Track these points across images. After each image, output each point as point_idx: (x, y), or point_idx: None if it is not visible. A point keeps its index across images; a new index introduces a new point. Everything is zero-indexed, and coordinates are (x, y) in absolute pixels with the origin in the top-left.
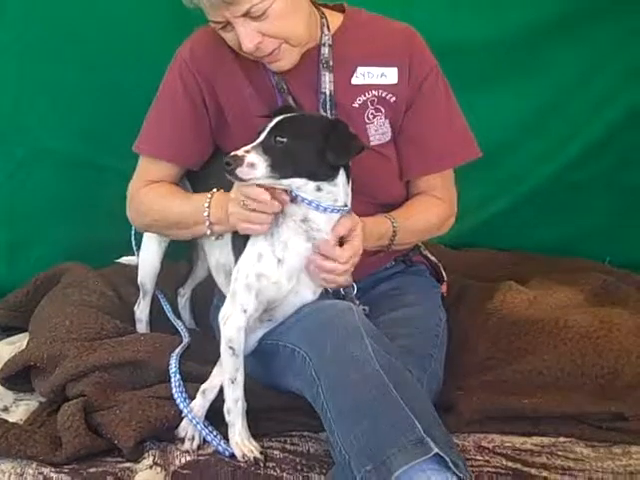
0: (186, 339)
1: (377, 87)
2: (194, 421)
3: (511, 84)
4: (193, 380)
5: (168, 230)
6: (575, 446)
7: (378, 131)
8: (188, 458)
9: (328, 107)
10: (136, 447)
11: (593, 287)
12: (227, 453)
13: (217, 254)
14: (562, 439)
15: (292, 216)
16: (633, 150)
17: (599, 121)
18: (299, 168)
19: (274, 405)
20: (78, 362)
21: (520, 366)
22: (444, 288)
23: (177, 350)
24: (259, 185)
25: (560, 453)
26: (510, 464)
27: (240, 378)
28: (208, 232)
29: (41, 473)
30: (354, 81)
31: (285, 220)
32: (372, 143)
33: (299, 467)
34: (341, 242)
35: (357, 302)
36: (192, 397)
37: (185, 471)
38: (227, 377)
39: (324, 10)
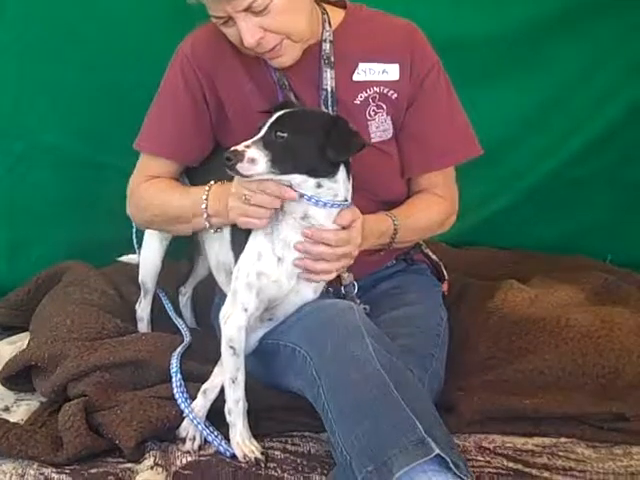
0: (187, 338)
1: (378, 84)
2: (195, 421)
3: (513, 80)
4: (194, 380)
5: (168, 225)
6: (576, 447)
7: (379, 128)
8: (189, 458)
9: (329, 103)
10: (137, 447)
11: (594, 286)
12: (228, 453)
13: (217, 253)
14: (563, 439)
15: (292, 213)
16: (635, 146)
17: (601, 117)
18: (299, 164)
19: (275, 405)
20: (79, 362)
21: (521, 365)
22: (445, 287)
23: (178, 350)
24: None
25: (561, 454)
26: (511, 465)
27: (241, 378)
28: (207, 225)
29: (42, 474)
30: (355, 77)
31: (285, 217)
32: (373, 140)
33: (300, 468)
34: None
35: (358, 301)
36: (193, 397)
37: (186, 471)
38: (228, 377)
39: (325, 6)
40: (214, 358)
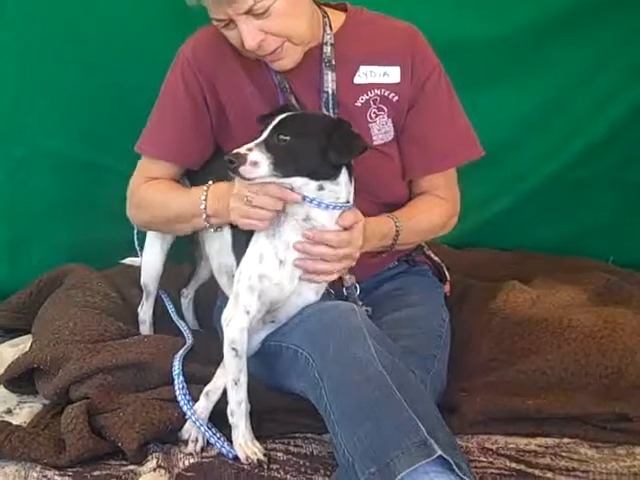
0: (189, 340)
1: (379, 86)
2: (198, 423)
3: (514, 82)
4: (197, 382)
5: (168, 225)
6: (579, 447)
7: (381, 130)
8: (192, 460)
9: (330, 106)
10: (140, 450)
11: (596, 286)
12: (231, 455)
13: (219, 255)
14: (566, 440)
15: (294, 215)
16: (636, 148)
17: (603, 119)
18: (301, 167)
19: (277, 406)
20: (81, 364)
21: (524, 366)
22: (447, 288)
23: (180, 352)
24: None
25: (564, 454)
26: (514, 465)
27: (243, 380)
28: (206, 225)
29: (45, 476)
30: (356, 80)
31: (287, 219)
32: (375, 142)
33: (303, 469)
34: None
35: (360, 303)
36: (196, 399)
37: (189, 473)
38: (230, 378)
39: (326, 9)
40: (216, 360)
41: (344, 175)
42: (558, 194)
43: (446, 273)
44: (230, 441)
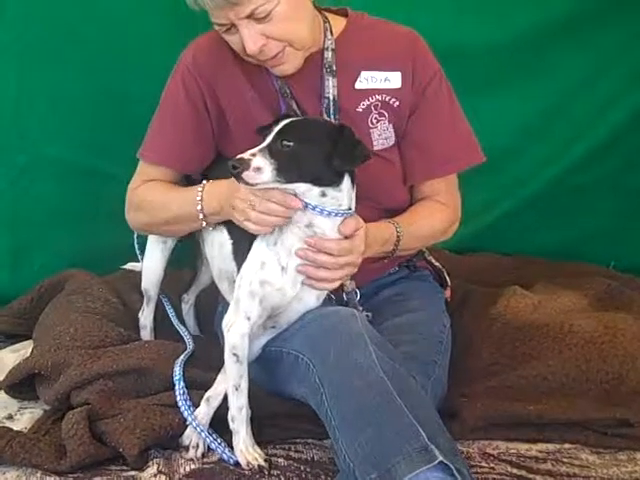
0: (190, 346)
1: (380, 91)
2: (198, 429)
3: (515, 88)
4: (197, 387)
5: (166, 226)
6: (580, 452)
7: (382, 136)
8: (192, 466)
9: (331, 112)
10: (140, 455)
11: (597, 292)
12: (231, 461)
13: (220, 261)
14: (567, 445)
15: (297, 222)
16: (638, 153)
17: (603, 124)
18: (305, 173)
19: (278, 412)
20: (82, 370)
21: (525, 371)
22: (448, 293)
23: (181, 357)
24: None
25: (565, 460)
26: (515, 471)
27: (244, 385)
28: (203, 224)
29: None
30: (357, 85)
31: (289, 226)
32: (376, 148)
33: (303, 475)
34: None
35: (360, 308)
36: (196, 404)
37: (190, 479)
38: (231, 384)
39: (327, 14)
40: (217, 366)
41: (347, 182)
42: (559, 199)
43: (447, 278)
44: (231, 447)
